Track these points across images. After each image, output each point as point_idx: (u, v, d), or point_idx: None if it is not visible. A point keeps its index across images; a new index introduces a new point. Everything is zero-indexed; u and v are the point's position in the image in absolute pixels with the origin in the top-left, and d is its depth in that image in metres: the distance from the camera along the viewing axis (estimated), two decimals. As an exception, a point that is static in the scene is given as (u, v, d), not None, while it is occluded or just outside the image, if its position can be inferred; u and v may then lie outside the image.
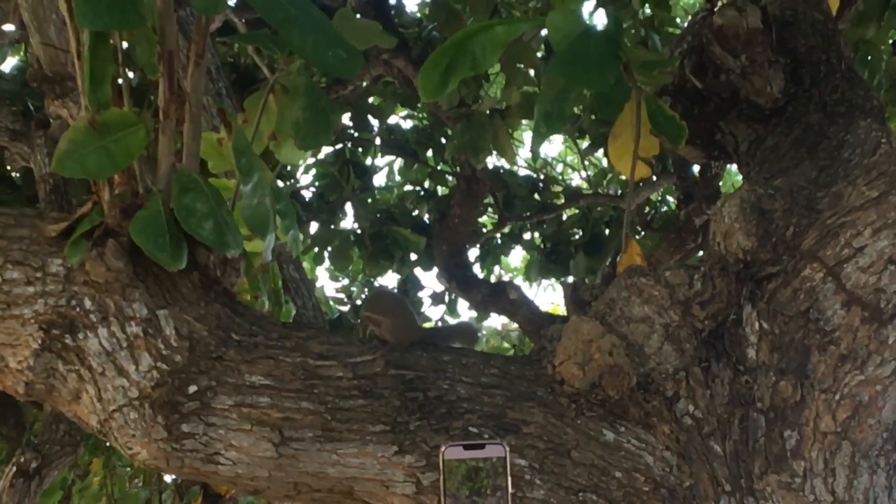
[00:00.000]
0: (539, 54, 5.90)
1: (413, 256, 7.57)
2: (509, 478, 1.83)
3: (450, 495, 1.88)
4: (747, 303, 2.50)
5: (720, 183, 6.74)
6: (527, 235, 8.28)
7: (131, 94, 2.41)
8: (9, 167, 5.85)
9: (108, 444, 6.76)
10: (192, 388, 2.31)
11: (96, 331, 2.31)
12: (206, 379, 2.32)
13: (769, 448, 2.39)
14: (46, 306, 2.32)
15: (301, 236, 2.72)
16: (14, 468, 6.35)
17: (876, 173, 2.46)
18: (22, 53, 6.49)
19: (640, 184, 6.74)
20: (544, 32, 5.65)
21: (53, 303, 2.32)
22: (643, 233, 7.55)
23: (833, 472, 2.36)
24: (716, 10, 3.25)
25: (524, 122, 7.15)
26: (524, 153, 9.91)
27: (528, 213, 7.64)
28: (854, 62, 3.38)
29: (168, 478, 7.70)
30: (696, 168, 6.70)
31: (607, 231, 7.67)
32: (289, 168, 7.55)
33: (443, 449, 1.96)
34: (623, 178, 7.40)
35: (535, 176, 8.45)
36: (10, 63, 6.86)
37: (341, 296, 8.61)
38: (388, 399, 2.36)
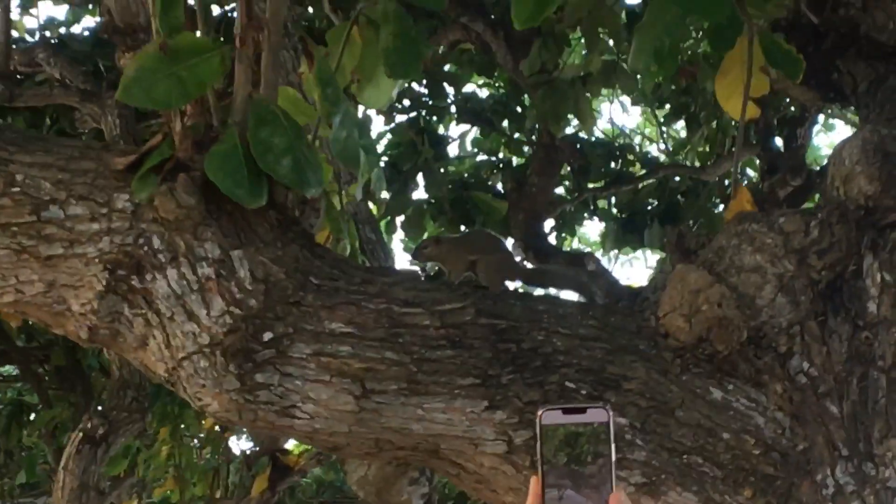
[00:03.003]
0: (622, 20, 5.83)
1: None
2: (613, 445, 1.72)
3: (546, 463, 1.78)
4: (868, 252, 2.40)
5: (805, 154, 6.68)
6: (603, 205, 8.25)
7: (206, 20, 2.31)
8: (79, 128, 5.85)
9: (175, 413, 6.84)
10: (268, 335, 2.23)
11: (165, 272, 2.23)
12: (283, 325, 2.24)
13: (890, 410, 2.28)
14: (112, 245, 2.24)
15: (383, 175, 2.62)
16: (81, 434, 6.36)
17: None
18: (94, 11, 6.48)
19: (721, 156, 6.74)
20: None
21: (119, 241, 2.24)
22: (723, 206, 7.46)
23: (959, 437, 2.26)
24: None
25: (603, 91, 7.12)
26: (601, 124, 9.89)
27: (605, 183, 7.60)
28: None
29: (237, 449, 7.76)
30: (779, 140, 6.66)
31: (683, 202, 7.62)
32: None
33: (539, 413, 1.86)
34: (700, 149, 7.40)
35: (613, 145, 8.42)
36: (84, 24, 6.89)
37: (415, 267, 8.57)
38: (478, 350, 2.28)
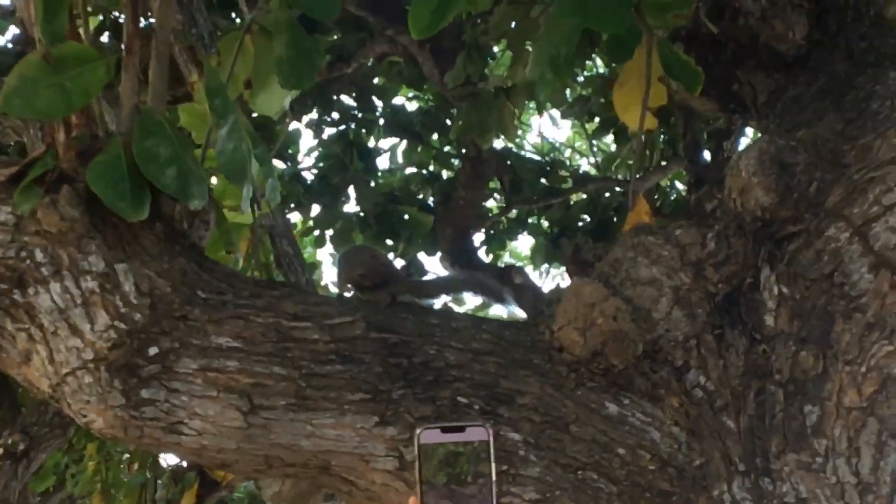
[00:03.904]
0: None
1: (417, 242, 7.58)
2: (494, 465, 1.71)
3: (426, 482, 1.76)
4: (765, 265, 2.40)
5: None
6: (533, 220, 8.29)
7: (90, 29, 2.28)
8: (2, 141, 5.78)
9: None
10: (153, 350, 2.20)
11: (48, 286, 2.20)
12: (169, 340, 2.21)
13: (788, 424, 2.28)
14: (-7, 258, 2.19)
15: (279, 185, 2.59)
16: (1, 450, 6.28)
17: (910, 125, 2.35)
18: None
19: (650, 169, 6.79)
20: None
21: (1, 254, 2.21)
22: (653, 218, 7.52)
23: (857, 451, 2.25)
24: (734, -51, 3.12)
25: (531, 105, 7.17)
26: (531, 138, 9.92)
27: (536, 198, 7.64)
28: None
29: (164, 463, 7.70)
30: (706, 153, 6.73)
31: (615, 218, 7.67)
32: (289, 151, 7.63)
33: (418, 432, 1.84)
34: (630, 163, 7.48)
35: (542, 159, 8.46)
36: (9, 36, 6.82)
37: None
38: (368, 365, 2.26)
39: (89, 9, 2.31)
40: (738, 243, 2.37)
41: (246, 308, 2.29)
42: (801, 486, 2.21)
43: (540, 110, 7.36)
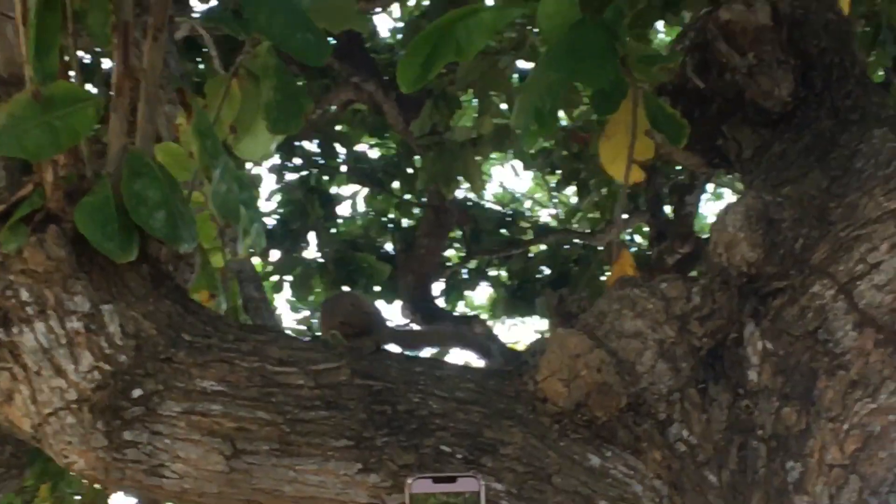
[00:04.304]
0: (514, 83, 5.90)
1: (376, 288, 7.58)
2: None
3: None
4: (750, 320, 2.42)
5: (693, 221, 6.87)
6: (493, 272, 8.33)
7: (81, 69, 2.28)
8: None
9: (57, 469, 6.69)
10: (137, 392, 2.19)
11: (32, 325, 2.19)
12: (153, 382, 2.20)
13: (770, 480, 2.29)
14: (-23, 296, 2.18)
15: (263, 230, 2.60)
16: (-45, 490, 6.20)
17: (895, 184, 2.36)
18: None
19: (610, 222, 6.86)
20: (519, 63, 5.68)
21: (-14, 292, 2.18)
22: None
23: (839, 509, 2.25)
24: (722, 4, 3.14)
25: (493, 155, 7.22)
26: (492, 188, 9.96)
27: (496, 248, 7.68)
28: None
29: (118, 507, 7.64)
30: (668, 207, 6.82)
31: (575, 269, 7.70)
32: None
33: (409, 482, 1.84)
34: (591, 216, 7.55)
35: (503, 210, 8.52)
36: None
37: (302, 327, 8.56)
38: (353, 411, 2.25)
39: (79, 52, 2.31)
40: (723, 298, 2.38)
41: (231, 352, 2.28)
42: (783, 543, 2.22)
43: (525, 161, 7.38)
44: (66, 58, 2.25)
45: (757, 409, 2.33)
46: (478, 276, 8.29)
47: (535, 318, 8.58)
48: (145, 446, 2.17)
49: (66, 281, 2.20)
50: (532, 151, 6.84)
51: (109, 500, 7.44)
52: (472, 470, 2.16)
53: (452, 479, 1.77)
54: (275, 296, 8.30)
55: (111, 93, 2.22)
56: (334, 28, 2.64)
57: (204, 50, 5.73)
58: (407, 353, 2.59)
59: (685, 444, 2.31)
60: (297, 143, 7.34)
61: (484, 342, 2.69)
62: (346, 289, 7.26)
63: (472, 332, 2.78)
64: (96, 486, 7.17)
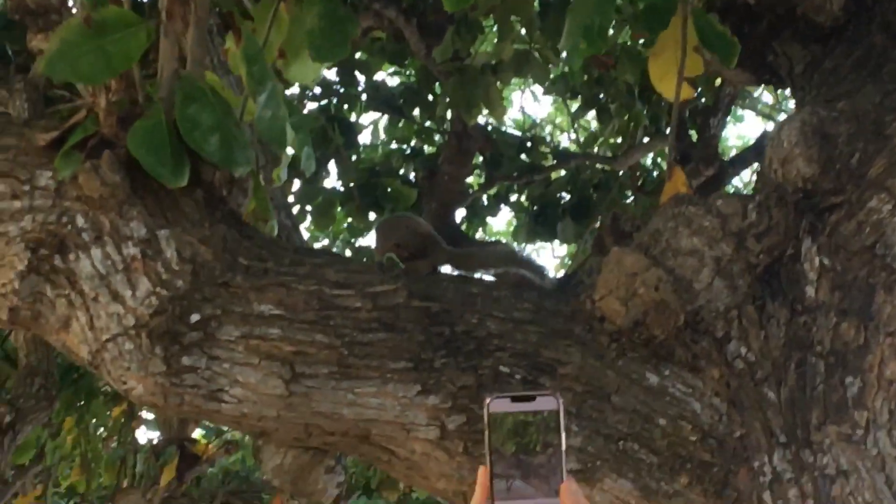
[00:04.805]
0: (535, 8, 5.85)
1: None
2: (564, 434, 1.70)
3: (494, 452, 1.75)
4: (807, 236, 2.39)
5: (718, 144, 6.76)
6: (514, 197, 8.28)
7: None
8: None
9: (80, 402, 6.74)
10: (195, 317, 2.20)
11: (89, 251, 2.19)
12: (211, 307, 2.21)
13: (828, 396, 2.27)
14: (34, 223, 2.20)
15: (313, 154, 2.58)
16: (-13, 422, 6.25)
17: (954, 96, 2.35)
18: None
19: (629, 147, 6.83)
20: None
21: (42, 219, 2.20)
22: (634, 196, 7.52)
23: (899, 423, 2.26)
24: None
25: (513, 80, 7.16)
26: (512, 113, 9.87)
27: (516, 174, 7.63)
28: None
29: (143, 438, 7.67)
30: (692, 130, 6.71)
31: (595, 195, 7.65)
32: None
33: (487, 401, 1.83)
34: (612, 140, 7.47)
35: (522, 135, 8.45)
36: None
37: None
38: (411, 333, 2.26)
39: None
40: (780, 214, 2.35)
41: (288, 275, 2.28)
42: (842, 458, 2.20)
43: (546, 86, 7.30)
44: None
45: (815, 325, 2.32)
46: (497, 201, 8.24)
47: (556, 243, 8.57)
48: (204, 371, 2.19)
49: (121, 206, 2.20)
50: (552, 76, 6.80)
51: (135, 433, 7.53)
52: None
53: (531, 398, 1.76)
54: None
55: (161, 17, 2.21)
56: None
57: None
58: (463, 273, 2.58)
59: (743, 361, 2.30)
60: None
61: (538, 264, 2.68)
62: (372, 216, 7.24)
63: (524, 254, 2.77)
64: (121, 419, 7.25)
